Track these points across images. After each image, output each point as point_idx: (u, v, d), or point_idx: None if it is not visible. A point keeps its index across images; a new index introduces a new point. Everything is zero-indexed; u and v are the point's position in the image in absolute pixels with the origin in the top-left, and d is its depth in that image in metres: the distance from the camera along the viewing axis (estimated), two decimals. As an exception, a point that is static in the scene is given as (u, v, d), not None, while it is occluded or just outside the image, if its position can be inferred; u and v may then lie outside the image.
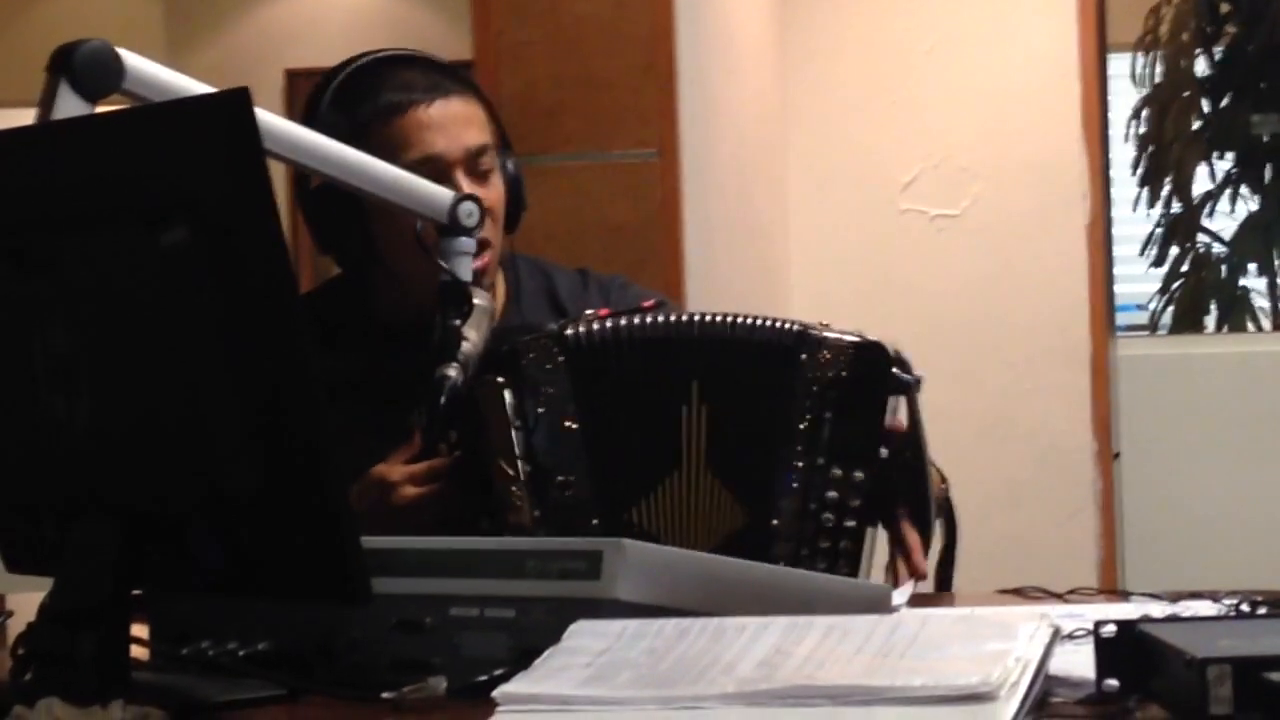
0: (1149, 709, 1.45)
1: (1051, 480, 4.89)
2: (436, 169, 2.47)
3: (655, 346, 2.27)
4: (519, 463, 2.21)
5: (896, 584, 2.18)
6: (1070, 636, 1.67)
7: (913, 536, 2.23)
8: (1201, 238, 6.83)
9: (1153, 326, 6.72)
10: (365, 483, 2.30)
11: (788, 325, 2.24)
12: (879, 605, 1.84)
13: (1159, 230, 6.78)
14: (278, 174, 1.68)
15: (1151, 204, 6.77)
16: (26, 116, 2.11)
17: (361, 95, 2.50)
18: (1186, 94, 6.74)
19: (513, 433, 2.22)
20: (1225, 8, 6.72)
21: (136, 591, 1.72)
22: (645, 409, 2.24)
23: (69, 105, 2.09)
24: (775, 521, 2.18)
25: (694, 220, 3.87)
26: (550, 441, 2.21)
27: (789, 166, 5.04)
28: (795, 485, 2.19)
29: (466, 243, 2.39)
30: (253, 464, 1.56)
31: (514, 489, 2.20)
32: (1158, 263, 6.77)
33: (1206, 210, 6.81)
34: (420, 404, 2.29)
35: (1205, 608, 2.02)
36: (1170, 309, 6.75)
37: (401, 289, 2.54)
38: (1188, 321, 6.71)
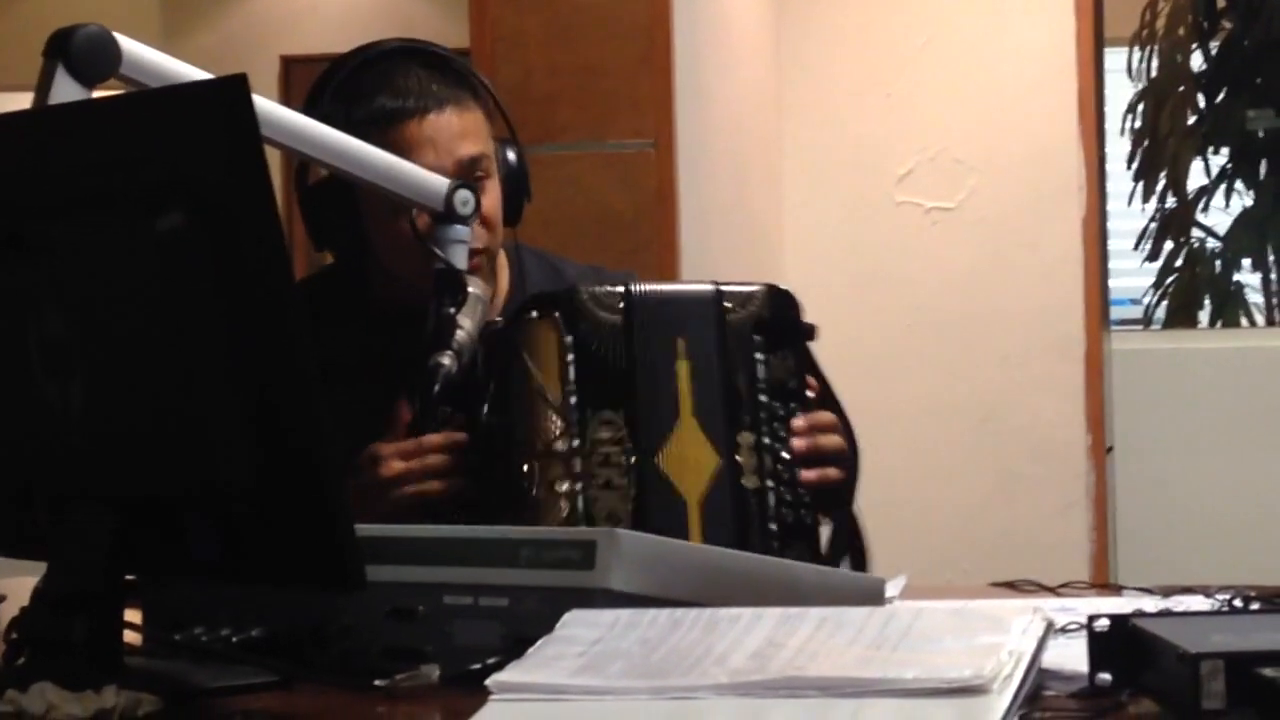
0: (1141, 703, 1.45)
1: (1044, 474, 4.89)
2: None
3: (650, 305, 2.30)
4: (567, 393, 2.23)
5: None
6: (1063, 630, 1.67)
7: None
8: (1196, 233, 6.83)
9: (1147, 321, 6.73)
10: (358, 460, 2.30)
11: (700, 282, 2.35)
12: (872, 597, 1.84)
13: (1154, 225, 6.78)
14: (274, 160, 1.67)
15: (1146, 198, 6.77)
16: (23, 101, 2.10)
17: (358, 96, 2.49)
18: (1182, 89, 6.74)
19: (563, 364, 2.24)
20: (1221, 3, 6.72)
21: (130, 577, 1.72)
22: (654, 364, 2.27)
23: (66, 90, 2.09)
24: (738, 458, 2.24)
25: (689, 211, 3.87)
26: (599, 377, 2.24)
27: (784, 158, 5.04)
28: (747, 419, 2.25)
29: (462, 231, 2.39)
30: (248, 451, 1.56)
31: (553, 416, 2.22)
32: (1152, 257, 6.77)
33: (1201, 205, 6.81)
34: (413, 391, 2.29)
35: (1198, 603, 2.02)
36: (1164, 304, 6.75)
37: (397, 280, 2.54)
38: (1182, 316, 6.71)
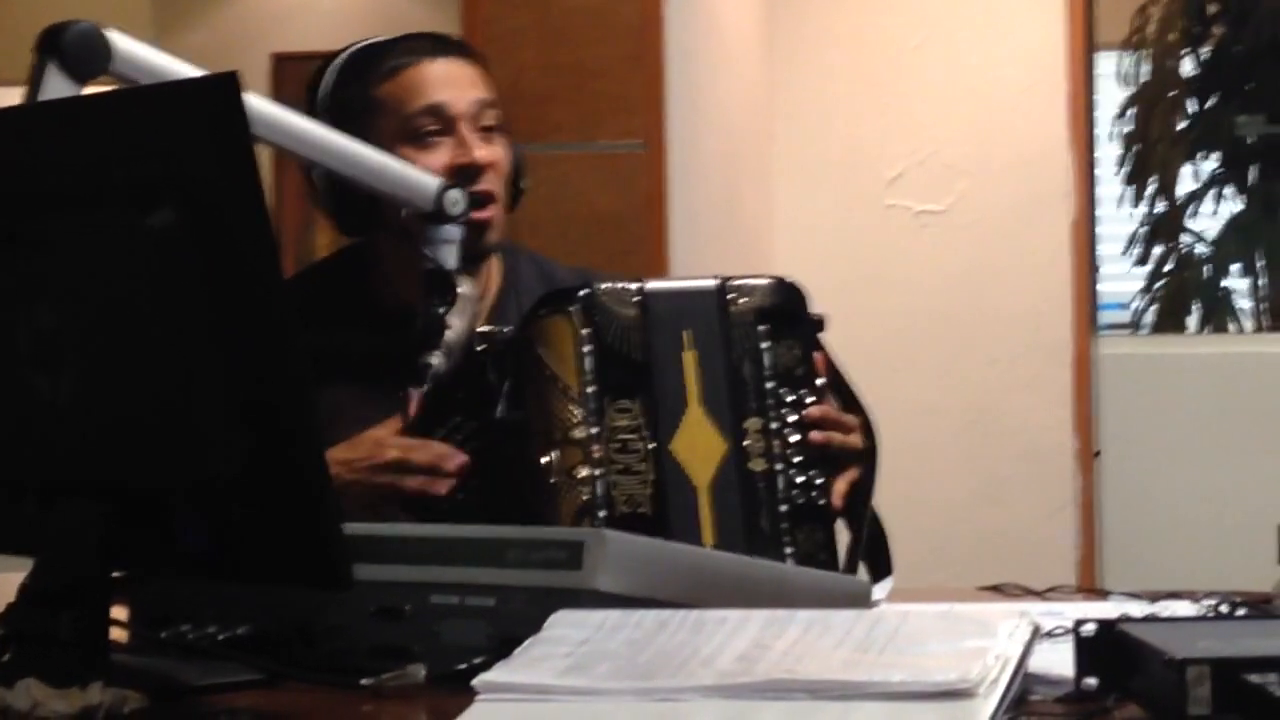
0: (1128, 708, 1.45)
1: (1032, 478, 4.90)
2: (443, 119, 2.50)
3: (661, 299, 2.34)
4: (585, 383, 2.25)
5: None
6: (1050, 635, 1.67)
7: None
8: (1185, 238, 6.83)
9: (1135, 325, 6.72)
10: (355, 442, 2.31)
11: (706, 277, 2.38)
12: (859, 600, 1.85)
13: (1143, 229, 6.78)
14: (264, 158, 1.67)
15: (1136, 203, 6.76)
16: (14, 96, 2.10)
17: (367, 65, 2.53)
18: (1173, 94, 6.74)
19: (580, 356, 2.26)
20: (1213, 8, 6.72)
21: (117, 574, 1.72)
22: (665, 355, 2.30)
23: (57, 86, 2.09)
24: (746, 443, 2.27)
25: (679, 212, 3.87)
26: (615, 368, 2.27)
27: (775, 160, 5.04)
28: (754, 405, 2.29)
29: (452, 230, 2.39)
30: (237, 447, 1.56)
31: (571, 406, 2.24)
32: (1141, 262, 6.77)
33: (1190, 210, 6.81)
34: (405, 389, 2.30)
35: (1184, 608, 2.02)
36: (1153, 308, 6.75)
37: (399, 278, 2.53)
38: (1170, 321, 6.71)
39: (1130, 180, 6.75)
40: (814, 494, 2.28)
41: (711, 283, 2.35)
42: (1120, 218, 6.71)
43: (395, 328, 2.44)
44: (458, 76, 2.54)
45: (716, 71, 4.41)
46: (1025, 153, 4.93)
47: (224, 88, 1.50)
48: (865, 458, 2.36)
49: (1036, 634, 1.50)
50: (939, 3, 4.99)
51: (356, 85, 2.51)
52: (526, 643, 1.53)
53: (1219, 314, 6.73)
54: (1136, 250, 6.77)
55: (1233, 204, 6.77)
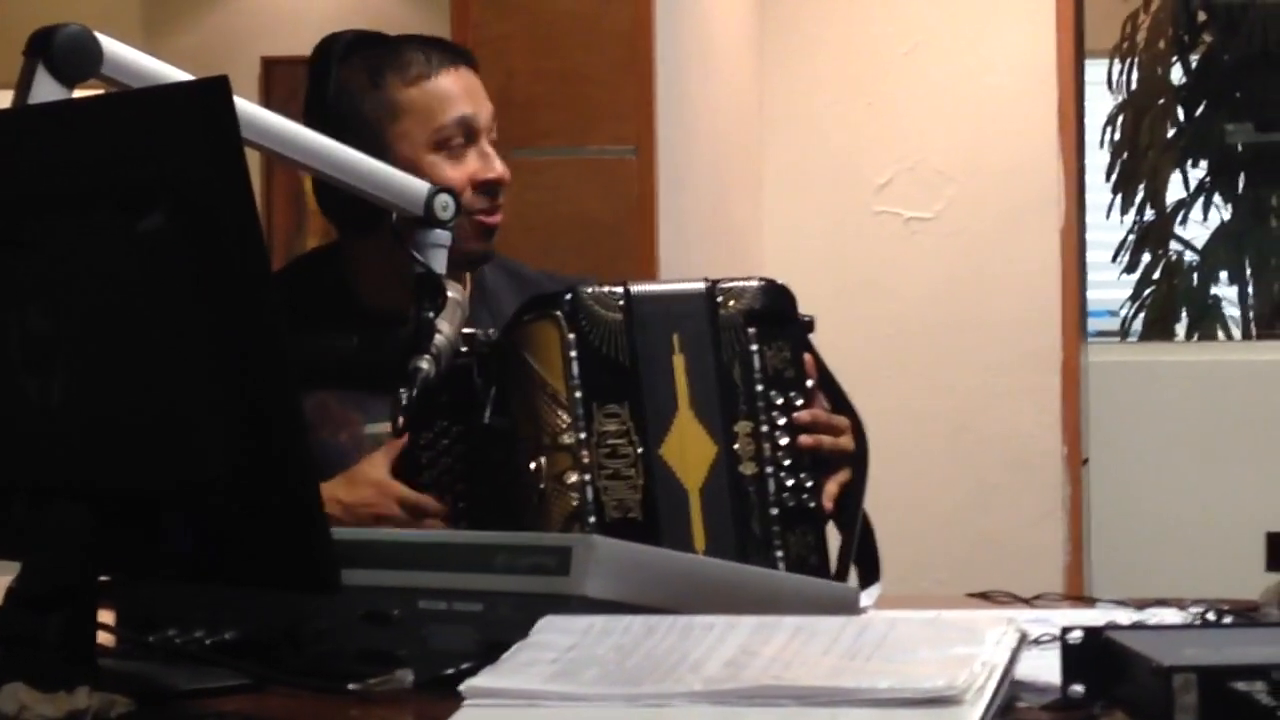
0: (1114, 716, 1.45)
1: (1020, 484, 4.90)
2: (469, 131, 2.52)
3: (648, 303, 2.34)
4: (572, 388, 2.26)
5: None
6: (1037, 642, 1.67)
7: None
8: (1174, 245, 6.85)
9: (1124, 333, 6.74)
10: (353, 482, 2.31)
11: (695, 280, 2.39)
12: (847, 606, 1.85)
13: (1132, 237, 6.79)
14: (253, 162, 1.67)
15: (1125, 210, 6.78)
16: (3, 100, 2.10)
17: (383, 64, 2.53)
18: (1162, 101, 6.75)
19: (566, 360, 2.27)
20: (1202, 17, 6.74)
21: (103, 577, 1.72)
22: (653, 359, 2.31)
23: (46, 89, 2.09)
24: (736, 447, 2.28)
25: (669, 218, 3.87)
26: (602, 372, 2.28)
27: (765, 166, 5.04)
28: (744, 408, 2.30)
29: (442, 235, 2.39)
30: (226, 450, 1.56)
31: (559, 411, 2.25)
32: (1130, 269, 6.79)
33: (1179, 218, 6.82)
34: (393, 394, 2.30)
35: (1171, 616, 2.02)
36: (1142, 316, 6.76)
37: (382, 282, 2.54)
38: (1159, 329, 6.72)
39: (1119, 188, 6.77)
40: (805, 496, 2.28)
41: (700, 285, 2.35)
42: (1110, 225, 6.73)
43: (374, 331, 2.44)
44: (476, 88, 2.56)
45: (707, 77, 4.41)
46: (1015, 160, 4.93)
47: (214, 92, 1.50)
48: (856, 460, 2.36)
49: (1023, 641, 1.50)
50: (929, 10, 4.99)
51: (376, 87, 2.51)
52: (514, 648, 1.53)
53: (1208, 321, 6.75)
54: (1125, 257, 6.78)
55: (1221, 212, 6.79)
